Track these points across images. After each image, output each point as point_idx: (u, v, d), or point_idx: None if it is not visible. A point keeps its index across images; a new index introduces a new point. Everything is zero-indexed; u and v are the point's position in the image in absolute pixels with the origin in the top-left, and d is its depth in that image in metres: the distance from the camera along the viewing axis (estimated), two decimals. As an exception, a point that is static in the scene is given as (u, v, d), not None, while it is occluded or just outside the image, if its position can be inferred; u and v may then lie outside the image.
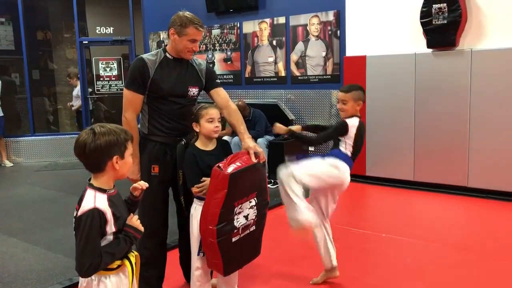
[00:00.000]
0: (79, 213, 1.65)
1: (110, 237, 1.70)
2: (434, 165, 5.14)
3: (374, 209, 5.00)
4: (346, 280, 2.97)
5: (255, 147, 2.51)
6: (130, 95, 2.67)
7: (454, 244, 3.62)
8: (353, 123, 2.81)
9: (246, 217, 2.45)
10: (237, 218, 2.39)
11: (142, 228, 1.80)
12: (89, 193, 1.69)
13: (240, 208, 2.39)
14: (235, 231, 2.40)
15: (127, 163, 1.78)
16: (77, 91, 8.39)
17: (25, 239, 4.08)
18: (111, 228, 1.69)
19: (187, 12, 2.69)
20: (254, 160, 2.46)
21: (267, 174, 5.92)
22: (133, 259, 1.80)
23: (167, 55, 2.73)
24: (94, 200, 1.66)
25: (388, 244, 3.69)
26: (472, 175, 4.91)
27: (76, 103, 8.42)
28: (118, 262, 1.74)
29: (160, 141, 2.68)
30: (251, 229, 2.52)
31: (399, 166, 5.39)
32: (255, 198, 2.49)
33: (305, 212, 2.62)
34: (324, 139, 2.95)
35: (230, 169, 2.29)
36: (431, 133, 5.14)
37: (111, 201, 1.71)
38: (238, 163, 2.36)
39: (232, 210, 2.35)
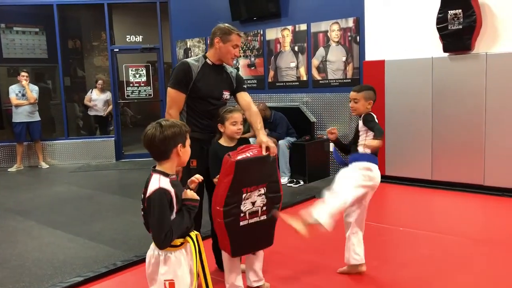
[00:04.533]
0: (148, 194, 1.93)
1: (173, 216, 1.97)
2: (451, 165, 5.34)
3: (392, 206, 5.22)
4: (366, 267, 3.21)
5: (267, 142, 2.78)
6: (174, 93, 3.00)
7: (469, 237, 3.83)
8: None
9: (253, 203, 2.68)
10: (244, 204, 2.64)
11: (197, 197, 2.04)
12: (154, 176, 1.97)
13: (248, 195, 2.65)
14: (242, 215, 2.65)
15: (187, 151, 2.07)
16: (104, 96, 8.85)
17: (69, 231, 4.45)
18: (174, 206, 1.96)
19: (226, 24, 3.06)
20: (264, 153, 2.72)
21: (289, 174, 6.24)
22: (194, 237, 2.05)
23: (208, 61, 3.07)
24: (159, 181, 1.94)
25: (405, 236, 3.92)
26: (488, 174, 5.09)
27: (99, 106, 8.88)
28: (181, 240, 2.00)
29: (197, 137, 2.99)
30: (261, 218, 2.75)
31: (417, 165, 5.60)
32: (264, 188, 2.72)
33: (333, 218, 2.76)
34: (381, 134, 2.90)
35: (238, 157, 2.58)
36: (448, 134, 5.34)
37: (173, 184, 1.98)
38: (248, 154, 2.64)
39: (239, 195, 2.61)
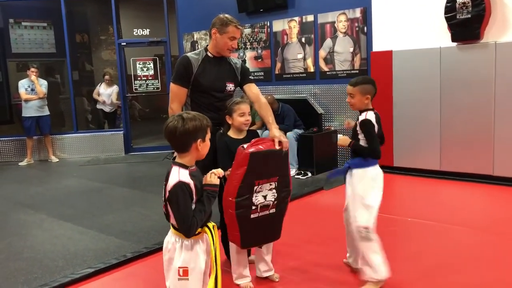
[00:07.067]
0: (169, 188, 1.96)
1: (192, 206, 2.01)
2: (460, 155, 5.31)
3: (401, 197, 5.21)
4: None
5: (280, 136, 2.78)
6: (176, 88, 3.02)
7: (478, 227, 3.82)
8: (370, 117, 2.78)
9: (264, 197, 2.70)
10: (255, 196, 2.66)
11: (217, 181, 2.07)
12: (174, 169, 2.01)
13: (260, 187, 2.66)
14: (254, 208, 2.67)
15: (207, 145, 2.08)
16: (110, 91, 8.89)
17: (79, 224, 4.50)
18: (194, 197, 2.01)
19: (227, 14, 3.03)
20: (277, 147, 2.72)
21: (297, 166, 6.24)
22: (211, 227, 2.09)
23: (208, 54, 3.07)
24: (179, 174, 1.98)
25: (413, 227, 3.92)
26: (497, 164, 5.06)
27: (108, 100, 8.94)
28: (198, 230, 2.03)
29: None
30: (271, 211, 2.76)
31: (425, 156, 5.57)
32: (276, 182, 2.74)
33: (382, 268, 2.73)
34: (375, 146, 2.76)
35: (252, 149, 2.60)
36: (457, 124, 5.31)
37: (192, 175, 2.02)
38: (260, 146, 2.66)
39: (251, 188, 2.62)
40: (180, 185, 1.95)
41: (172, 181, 1.97)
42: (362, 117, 2.80)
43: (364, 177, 2.79)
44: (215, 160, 2.96)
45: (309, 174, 6.20)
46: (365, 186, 2.77)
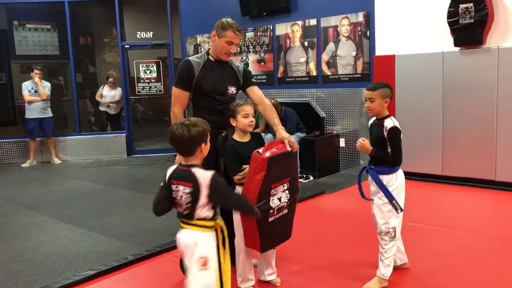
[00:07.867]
0: (208, 182, 2.10)
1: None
2: (462, 160, 5.30)
3: (403, 202, 5.20)
4: (376, 260, 3.22)
5: (289, 137, 2.81)
6: (178, 92, 3.03)
7: (479, 232, 3.81)
8: (397, 124, 2.83)
9: (279, 199, 2.72)
10: (272, 200, 2.67)
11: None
12: (197, 169, 2.15)
13: (275, 190, 2.68)
14: (271, 211, 2.68)
15: (208, 147, 2.24)
16: (114, 93, 8.91)
17: (81, 226, 4.51)
18: None
19: (229, 19, 3.05)
20: (288, 148, 2.75)
21: (299, 169, 6.24)
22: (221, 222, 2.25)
23: (210, 57, 3.08)
24: (206, 171, 2.14)
25: (415, 232, 3.90)
26: (500, 169, 5.05)
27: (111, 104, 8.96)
28: (212, 223, 2.18)
29: None
30: (284, 212, 2.80)
31: (427, 160, 5.56)
32: (288, 183, 2.77)
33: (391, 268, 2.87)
34: (400, 155, 2.82)
35: (268, 154, 2.59)
36: (459, 129, 5.30)
37: None
38: (274, 149, 2.66)
39: (269, 191, 2.64)
40: (218, 175, 2.15)
41: (206, 176, 2.11)
42: (389, 124, 2.82)
43: (393, 182, 2.85)
44: (216, 159, 2.97)
45: (311, 178, 6.20)
46: (395, 191, 2.85)
